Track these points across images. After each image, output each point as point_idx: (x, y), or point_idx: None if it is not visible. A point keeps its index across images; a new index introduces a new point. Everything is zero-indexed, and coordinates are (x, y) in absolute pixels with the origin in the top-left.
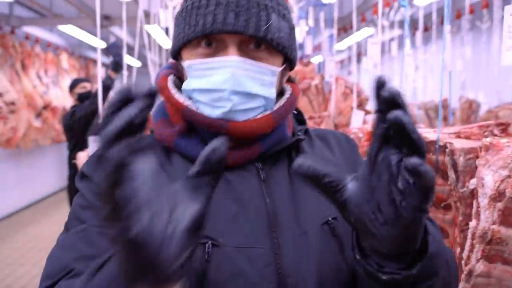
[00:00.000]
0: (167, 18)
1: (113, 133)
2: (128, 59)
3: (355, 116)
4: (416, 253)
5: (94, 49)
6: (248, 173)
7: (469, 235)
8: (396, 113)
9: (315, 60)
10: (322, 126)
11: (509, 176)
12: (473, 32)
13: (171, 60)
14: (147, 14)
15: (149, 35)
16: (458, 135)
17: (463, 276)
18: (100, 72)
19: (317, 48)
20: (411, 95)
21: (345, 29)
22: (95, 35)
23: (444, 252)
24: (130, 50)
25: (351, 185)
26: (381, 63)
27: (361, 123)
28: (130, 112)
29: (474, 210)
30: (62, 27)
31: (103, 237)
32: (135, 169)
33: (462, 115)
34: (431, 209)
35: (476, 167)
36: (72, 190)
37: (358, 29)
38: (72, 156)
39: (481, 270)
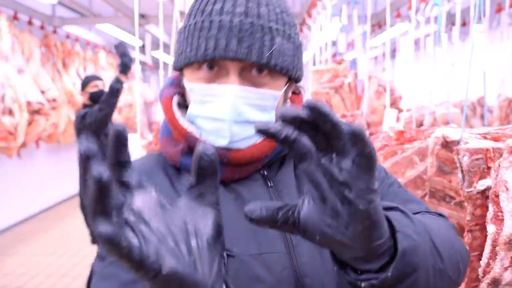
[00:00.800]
0: None
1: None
2: (164, 57)
3: (387, 115)
4: (391, 254)
5: (130, 46)
6: (255, 182)
7: (489, 241)
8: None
9: (349, 56)
10: None
11: None
12: None
13: (174, 73)
14: (182, 13)
15: None
16: (485, 136)
17: (483, 284)
18: (138, 70)
19: (350, 45)
20: (444, 93)
21: (379, 25)
22: (131, 33)
23: (427, 241)
24: (166, 48)
25: (304, 206)
26: (416, 59)
27: (394, 122)
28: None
29: (490, 214)
30: (100, 26)
31: None
32: (134, 212)
33: (501, 113)
34: (456, 208)
35: (486, 168)
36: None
37: (393, 25)
38: None
39: (510, 278)
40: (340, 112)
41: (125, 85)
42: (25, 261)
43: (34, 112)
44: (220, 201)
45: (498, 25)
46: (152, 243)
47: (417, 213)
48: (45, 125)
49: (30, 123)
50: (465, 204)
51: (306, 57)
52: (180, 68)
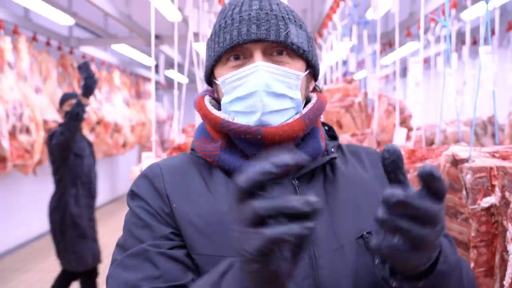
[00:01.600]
0: None
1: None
2: (178, 76)
3: (397, 133)
4: (428, 269)
5: (143, 66)
6: (286, 190)
7: (511, 261)
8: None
9: (359, 75)
10: (365, 144)
11: None
12: None
13: (205, 87)
14: (195, 34)
15: (197, 54)
16: (493, 155)
17: None
18: (153, 89)
19: (361, 64)
20: (454, 112)
21: (390, 44)
22: (145, 53)
23: (459, 270)
24: (180, 68)
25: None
26: (428, 78)
27: (403, 141)
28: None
29: (511, 234)
30: (116, 46)
31: (164, 258)
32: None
33: (511, 132)
34: (467, 225)
35: (490, 186)
36: (56, 221)
37: (403, 44)
38: (56, 182)
39: None
40: (351, 130)
41: (87, 108)
42: (41, 277)
43: (50, 130)
44: None
45: (508, 44)
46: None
47: None
48: None
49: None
50: (470, 220)
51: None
52: (211, 69)
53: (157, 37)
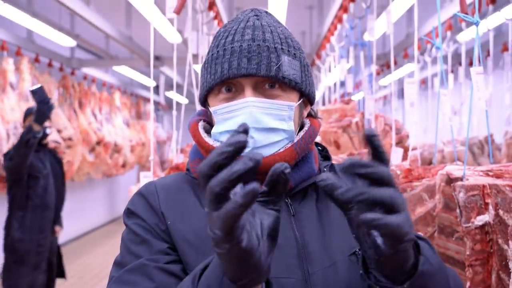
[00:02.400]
0: None
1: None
2: (177, 97)
3: (394, 153)
4: (412, 271)
5: (144, 87)
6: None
7: None
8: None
9: (358, 96)
10: None
11: None
12: None
13: (201, 108)
14: (195, 55)
15: (196, 75)
16: (487, 173)
17: None
18: (152, 110)
19: (358, 85)
20: (449, 133)
21: (387, 66)
22: (146, 75)
23: (444, 273)
24: (179, 89)
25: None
26: (425, 98)
27: (400, 160)
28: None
29: (511, 253)
30: (117, 68)
31: (161, 272)
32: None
33: (508, 151)
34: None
35: (484, 204)
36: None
37: (402, 65)
38: (8, 202)
39: None
40: (348, 150)
41: (38, 135)
42: None
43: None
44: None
45: (504, 64)
46: (243, 223)
47: None
48: None
49: None
50: (465, 239)
51: (316, 96)
52: (204, 96)
53: (157, 58)
